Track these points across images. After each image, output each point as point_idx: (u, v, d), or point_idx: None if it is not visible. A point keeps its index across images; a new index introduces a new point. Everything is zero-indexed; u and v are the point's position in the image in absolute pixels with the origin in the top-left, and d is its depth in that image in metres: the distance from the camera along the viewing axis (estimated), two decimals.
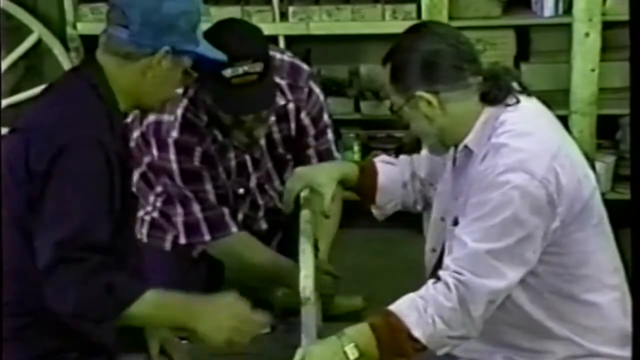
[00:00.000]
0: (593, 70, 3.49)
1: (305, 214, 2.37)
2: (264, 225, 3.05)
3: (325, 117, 3.00)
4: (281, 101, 2.86)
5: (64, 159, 2.00)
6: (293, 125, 2.92)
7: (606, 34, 3.50)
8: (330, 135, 3.04)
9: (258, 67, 2.62)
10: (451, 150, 2.15)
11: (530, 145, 1.97)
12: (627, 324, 2.03)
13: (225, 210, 2.86)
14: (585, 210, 2.00)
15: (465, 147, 2.06)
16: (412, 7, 3.64)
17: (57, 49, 3.88)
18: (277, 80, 2.83)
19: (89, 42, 3.67)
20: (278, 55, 2.89)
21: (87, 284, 1.98)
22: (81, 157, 2.01)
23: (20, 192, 2.03)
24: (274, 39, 3.57)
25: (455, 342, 1.97)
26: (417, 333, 1.91)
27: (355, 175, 2.36)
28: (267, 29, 3.55)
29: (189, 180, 2.82)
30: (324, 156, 3.01)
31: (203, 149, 2.81)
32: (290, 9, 3.70)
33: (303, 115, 2.92)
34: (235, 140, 2.82)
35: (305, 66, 2.95)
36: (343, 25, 3.71)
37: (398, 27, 3.58)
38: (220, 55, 2.34)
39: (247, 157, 2.91)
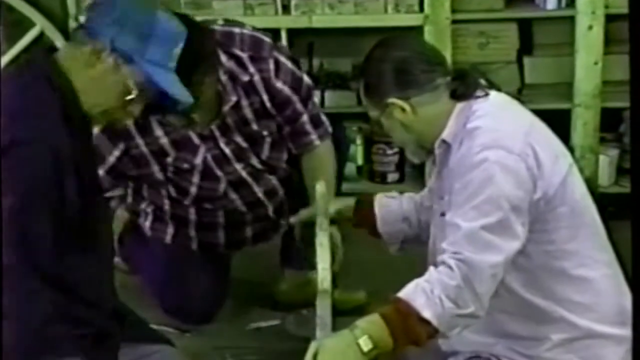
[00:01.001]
0: (596, 63, 3.48)
1: (321, 207, 2.38)
2: (239, 204, 3.04)
3: (305, 83, 2.99)
4: (244, 77, 2.86)
5: (3, 161, 1.87)
6: (265, 97, 2.90)
7: (609, 27, 3.49)
8: (315, 99, 3.05)
9: None
10: None
11: (503, 125, 2.03)
12: (620, 300, 2.06)
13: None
14: (566, 184, 2.03)
15: (443, 141, 2.10)
16: (414, 0, 3.63)
17: (59, 42, 3.87)
18: (238, 52, 2.84)
19: None
20: (237, 30, 2.88)
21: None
22: (21, 161, 1.89)
23: None
24: (276, 32, 3.56)
25: (464, 322, 1.98)
26: (426, 314, 1.92)
27: (350, 208, 2.44)
28: (269, 23, 3.57)
29: None
30: (316, 121, 3.01)
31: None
32: (293, 2, 3.69)
33: (279, 85, 2.91)
34: (170, 121, 2.82)
35: (267, 38, 2.93)
36: (345, 18, 3.70)
37: (401, 20, 3.63)
38: (184, 97, 2.11)
39: (191, 133, 2.89)
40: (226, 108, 2.84)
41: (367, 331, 1.94)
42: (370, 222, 2.39)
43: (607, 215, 2.23)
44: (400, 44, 2.18)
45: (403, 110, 2.10)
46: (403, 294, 1.96)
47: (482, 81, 2.14)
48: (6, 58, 3.89)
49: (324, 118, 3.04)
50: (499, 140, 1.99)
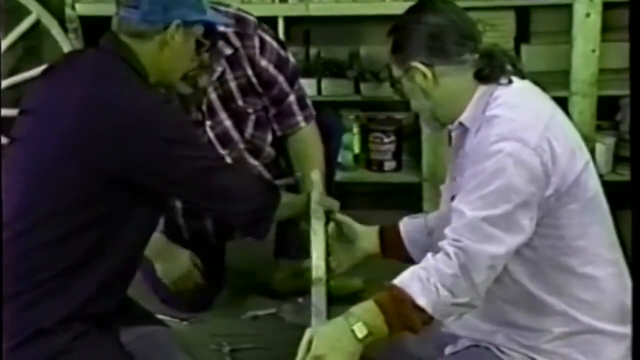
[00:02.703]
0: (594, 51, 3.48)
1: (315, 195, 2.37)
2: None
3: (291, 64, 2.99)
4: (228, 50, 2.87)
5: (155, 120, 2.11)
6: (250, 72, 2.91)
7: (607, 15, 3.48)
8: (300, 81, 3.05)
9: None
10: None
11: (522, 116, 1.99)
12: (624, 299, 2.04)
13: None
14: (579, 182, 2.00)
15: (460, 124, 2.08)
16: None
17: (55, 30, 3.86)
18: (222, 28, 2.83)
19: (88, 23, 3.67)
20: (222, 8, 2.88)
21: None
22: (171, 114, 2.20)
23: (87, 166, 2.05)
24: (273, 20, 3.55)
25: (460, 310, 1.97)
26: (421, 302, 1.91)
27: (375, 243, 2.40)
28: (266, 11, 3.56)
29: None
30: (302, 103, 3.01)
31: None
32: None
33: (264, 63, 2.91)
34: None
35: (250, 17, 2.94)
36: (343, 6, 3.69)
37: (398, 8, 3.53)
38: (225, 20, 2.52)
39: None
40: (212, 79, 2.85)
41: (362, 318, 1.93)
42: (399, 248, 2.35)
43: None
44: (439, 9, 2.11)
45: (425, 76, 2.06)
46: (398, 280, 1.95)
47: (509, 67, 2.10)
48: (3, 45, 3.88)
49: (309, 101, 3.04)
50: (516, 132, 1.95)
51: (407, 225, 2.36)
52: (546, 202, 1.97)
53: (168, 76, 2.27)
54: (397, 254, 2.35)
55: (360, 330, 1.93)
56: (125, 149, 2.06)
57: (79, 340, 2.08)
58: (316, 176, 2.46)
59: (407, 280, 1.94)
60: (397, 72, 2.12)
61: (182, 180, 2.16)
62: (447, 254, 1.93)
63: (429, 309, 1.91)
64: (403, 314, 1.92)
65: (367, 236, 2.38)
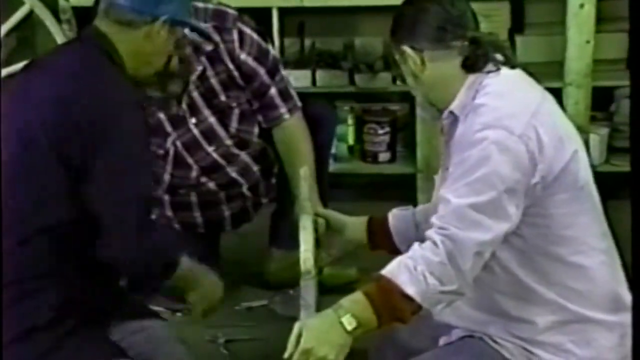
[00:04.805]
0: (588, 42, 3.47)
1: (303, 191, 2.37)
2: (212, 185, 3.04)
3: (272, 56, 2.99)
4: (208, 47, 2.87)
5: (115, 122, 2.05)
6: (232, 66, 2.91)
7: (601, 5, 3.48)
8: (283, 72, 3.04)
9: None
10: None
11: (508, 104, 2.00)
12: (616, 288, 2.05)
13: None
14: (568, 170, 2.00)
15: (451, 112, 2.09)
16: None
17: (49, 20, 3.85)
18: (201, 24, 2.83)
19: (81, 14, 3.66)
20: (201, 5, 2.89)
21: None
22: (131, 119, 2.09)
23: (56, 159, 2.03)
24: (267, 12, 3.55)
25: (448, 298, 1.97)
26: (409, 291, 1.91)
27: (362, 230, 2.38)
28: (260, 2, 3.55)
29: None
30: (285, 95, 3.00)
31: None
32: None
33: (243, 56, 2.92)
34: (151, 95, 2.77)
35: (230, 10, 2.94)
36: None
37: None
38: (205, 28, 2.46)
39: (162, 116, 2.90)
40: (193, 78, 2.85)
41: (350, 310, 1.93)
42: (386, 240, 2.34)
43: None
44: None
45: (414, 61, 2.09)
46: (386, 271, 1.95)
47: (499, 56, 2.10)
48: None
49: (293, 92, 3.04)
50: (501, 120, 1.96)
51: (396, 217, 2.35)
52: (533, 189, 1.97)
53: (141, 70, 2.23)
54: (384, 246, 2.35)
55: (350, 323, 1.92)
56: (84, 143, 2.03)
57: (69, 336, 2.06)
58: (305, 172, 2.46)
59: (395, 270, 1.94)
60: (395, 54, 2.15)
61: (102, 185, 2.05)
62: (434, 242, 1.93)
63: (417, 298, 1.91)
64: (392, 305, 1.92)
65: (355, 227, 2.37)
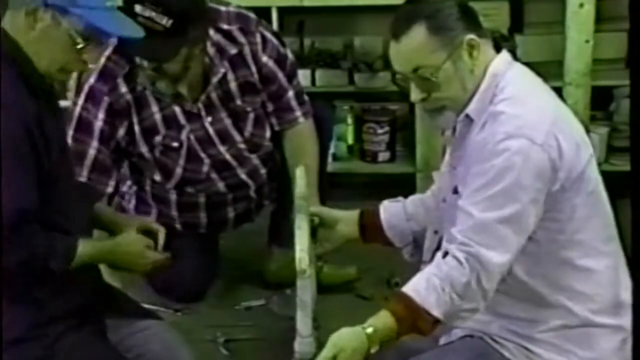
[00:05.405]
0: (587, 41, 3.47)
1: (299, 191, 2.37)
2: (221, 186, 3.04)
3: (290, 60, 3.02)
4: (233, 50, 2.88)
5: None
6: (254, 69, 2.93)
7: (600, 5, 3.48)
8: (299, 77, 3.07)
9: (164, 20, 2.63)
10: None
11: (528, 112, 1.97)
12: (618, 291, 2.05)
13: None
14: (583, 176, 2.00)
15: (466, 116, 2.05)
16: None
17: None
18: (226, 26, 2.88)
19: None
20: (223, 9, 2.92)
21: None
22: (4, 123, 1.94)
23: None
24: (266, 11, 3.55)
25: (466, 315, 1.99)
26: (436, 313, 1.93)
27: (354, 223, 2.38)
28: (260, 1, 3.55)
29: (79, 130, 2.84)
30: (300, 99, 3.02)
31: (111, 100, 2.83)
32: None
33: (265, 59, 2.94)
34: (160, 90, 2.83)
35: (251, 14, 2.96)
36: None
37: None
38: (130, 33, 2.19)
39: (177, 109, 2.90)
40: (214, 80, 2.86)
41: (378, 329, 1.95)
42: (378, 232, 2.35)
43: None
44: None
45: (472, 47, 2.00)
46: (414, 291, 1.94)
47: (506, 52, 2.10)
48: None
49: (306, 97, 3.05)
50: (522, 129, 1.93)
51: (387, 210, 2.35)
52: (552, 196, 1.96)
53: (42, 63, 2.04)
54: (377, 239, 2.35)
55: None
56: None
57: (59, 343, 2.04)
58: (300, 172, 2.46)
59: (423, 290, 1.94)
60: (437, 58, 2.01)
61: None
62: (458, 260, 1.93)
63: (442, 318, 1.94)
64: (415, 324, 1.95)
65: (347, 221, 2.37)
